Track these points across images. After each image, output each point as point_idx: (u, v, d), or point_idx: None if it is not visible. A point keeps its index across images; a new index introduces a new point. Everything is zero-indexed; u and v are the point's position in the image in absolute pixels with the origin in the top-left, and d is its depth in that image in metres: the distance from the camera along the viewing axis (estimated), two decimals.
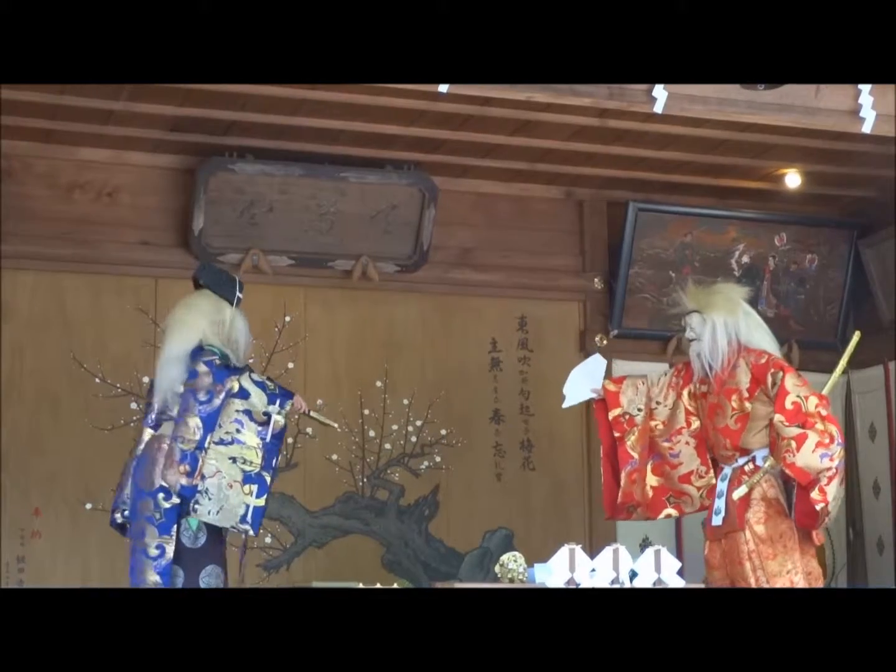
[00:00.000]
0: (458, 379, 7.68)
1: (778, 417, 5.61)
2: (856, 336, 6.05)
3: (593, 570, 4.50)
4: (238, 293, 5.79)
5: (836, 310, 8.27)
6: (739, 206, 8.05)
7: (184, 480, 5.41)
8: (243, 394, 5.54)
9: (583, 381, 6.09)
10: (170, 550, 5.42)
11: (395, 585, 3.99)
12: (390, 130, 6.97)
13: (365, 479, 7.44)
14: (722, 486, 5.80)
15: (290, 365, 7.34)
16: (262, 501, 5.48)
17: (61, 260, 7.09)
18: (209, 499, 5.42)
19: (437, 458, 7.57)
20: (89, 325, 7.14)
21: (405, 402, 7.51)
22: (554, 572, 4.51)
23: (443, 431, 7.59)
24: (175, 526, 5.45)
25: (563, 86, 5.07)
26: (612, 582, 4.49)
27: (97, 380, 7.07)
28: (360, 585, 4.04)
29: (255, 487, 5.48)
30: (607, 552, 4.56)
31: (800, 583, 5.59)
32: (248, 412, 5.54)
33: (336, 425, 6.29)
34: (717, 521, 5.76)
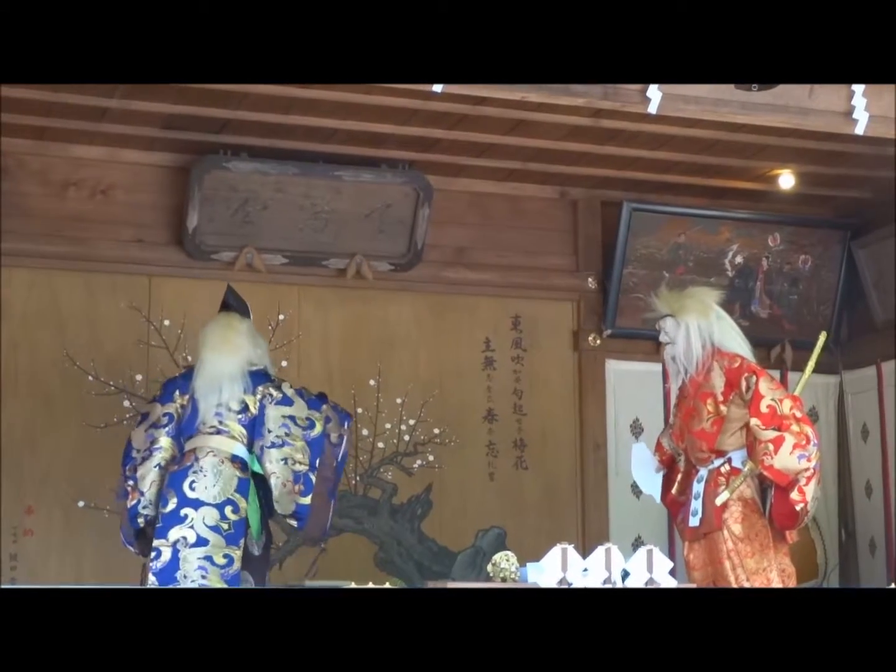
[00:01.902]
0: (451, 378, 7.68)
1: (754, 421, 5.65)
2: (822, 336, 6.13)
3: (586, 569, 4.50)
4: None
5: (829, 310, 8.27)
6: (733, 207, 8.06)
7: (300, 499, 5.79)
8: (286, 401, 5.87)
9: (646, 471, 6.17)
10: (238, 560, 5.67)
11: (388, 584, 3.99)
12: (384, 129, 6.97)
13: (358, 478, 7.44)
14: (698, 487, 5.83)
15: (284, 363, 7.33)
16: (307, 500, 5.80)
17: (55, 257, 7.09)
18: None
19: (430, 457, 7.57)
20: (83, 323, 7.13)
21: (398, 400, 7.51)
22: (546, 572, 4.51)
23: (436, 430, 7.59)
24: (243, 537, 5.71)
25: (557, 85, 5.07)
26: (605, 581, 4.49)
27: (91, 377, 7.07)
28: (353, 584, 4.04)
29: (302, 487, 5.80)
30: (600, 552, 4.57)
31: (775, 580, 5.65)
32: (292, 417, 5.86)
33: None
34: (694, 522, 5.80)
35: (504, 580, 5.13)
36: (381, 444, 7.48)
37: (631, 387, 7.97)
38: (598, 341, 7.91)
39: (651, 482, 6.15)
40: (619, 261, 7.79)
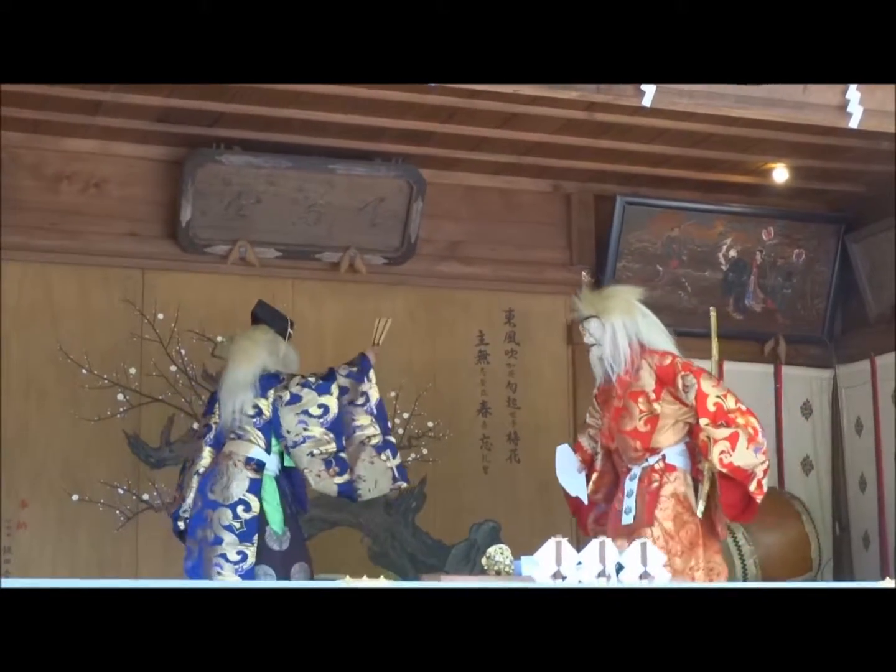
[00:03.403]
0: (445, 372, 7.68)
1: (703, 421, 5.63)
2: (712, 312, 6.16)
3: (580, 562, 4.50)
4: (289, 329, 6.40)
5: (822, 304, 8.28)
6: (727, 201, 8.07)
7: (338, 480, 6.14)
8: (295, 398, 6.15)
9: (570, 473, 6.11)
10: (251, 556, 6.01)
11: (382, 578, 3.99)
12: (378, 123, 6.97)
13: None
14: (631, 485, 5.79)
15: None
16: (346, 477, 6.15)
17: (48, 251, 7.08)
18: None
19: (424, 451, 7.58)
20: (76, 317, 7.12)
21: (392, 394, 7.50)
22: (540, 565, 4.51)
23: (430, 424, 7.60)
24: (256, 534, 6.03)
25: None
26: (599, 575, 4.49)
27: (84, 371, 7.06)
28: (347, 577, 4.03)
29: (337, 468, 6.14)
30: (594, 545, 4.56)
31: (700, 579, 5.62)
32: (304, 412, 6.15)
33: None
34: (627, 519, 5.75)
35: (498, 573, 5.13)
36: None
37: None
38: None
39: (576, 483, 6.09)
40: (613, 254, 7.79)
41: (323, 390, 6.19)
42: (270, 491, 6.16)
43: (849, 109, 5.37)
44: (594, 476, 6.05)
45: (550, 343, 7.87)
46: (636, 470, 5.81)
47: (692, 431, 5.75)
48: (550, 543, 4.55)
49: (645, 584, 4.47)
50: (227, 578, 5.96)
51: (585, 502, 6.07)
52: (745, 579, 7.23)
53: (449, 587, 4.23)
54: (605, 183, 7.91)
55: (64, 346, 7.05)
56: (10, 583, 3.75)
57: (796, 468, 8.24)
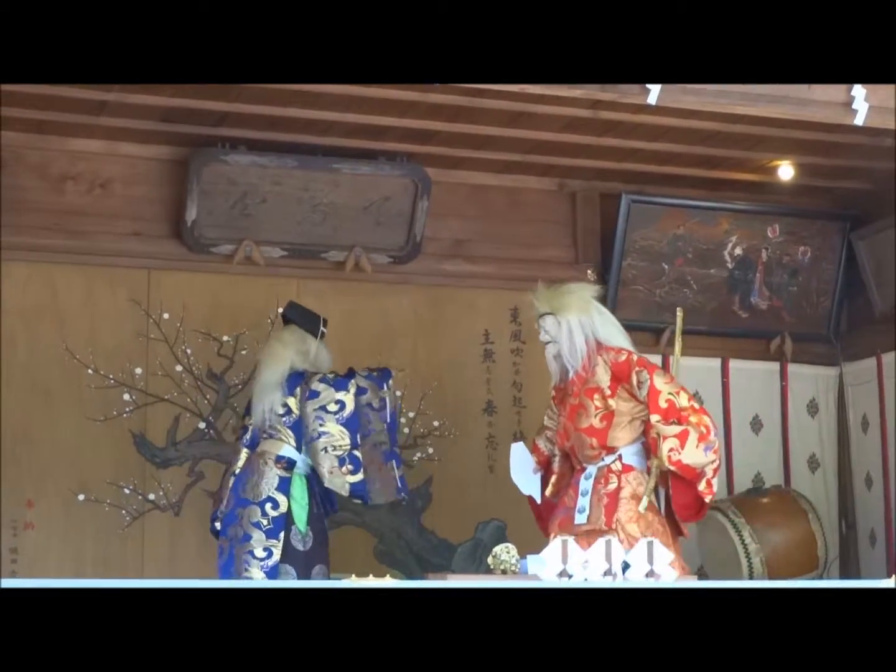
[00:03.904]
0: (450, 370, 7.68)
1: (655, 418, 5.60)
2: (679, 312, 6.07)
3: (586, 561, 4.50)
4: (322, 328, 6.51)
5: (828, 302, 8.27)
6: (732, 198, 8.06)
7: (351, 478, 6.19)
8: (313, 394, 6.24)
9: (524, 472, 6.09)
10: (277, 553, 6.14)
11: (388, 577, 3.99)
12: (383, 122, 6.96)
13: None
14: (586, 484, 5.74)
15: None
16: (360, 476, 6.19)
17: (53, 251, 7.08)
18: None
19: (430, 450, 7.58)
20: (82, 316, 7.12)
21: (398, 393, 7.49)
22: (547, 564, 4.51)
23: (435, 423, 7.59)
24: (282, 532, 6.16)
25: None
26: (605, 573, 4.49)
27: (90, 371, 7.06)
28: (353, 577, 4.03)
29: (350, 466, 6.18)
30: (600, 544, 4.56)
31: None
32: (322, 407, 6.23)
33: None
34: (580, 519, 5.69)
35: (504, 572, 5.13)
36: None
37: None
38: None
39: (530, 483, 6.08)
40: (618, 253, 7.79)
41: (340, 386, 6.26)
42: (299, 489, 6.26)
43: (854, 106, 5.36)
44: (553, 478, 6.01)
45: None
46: (591, 469, 5.76)
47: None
48: (556, 542, 4.56)
49: (651, 582, 4.47)
50: (254, 575, 6.11)
51: (538, 501, 6.05)
52: (751, 578, 7.22)
53: (455, 586, 4.23)
54: (611, 181, 7.90)
55: (70, 345, 7.05)
56: (17, 583, 3.76)
57: (802, 466, 8.24)
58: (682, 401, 5.63)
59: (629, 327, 7.83)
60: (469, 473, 7.61)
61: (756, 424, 8.22)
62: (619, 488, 5.65)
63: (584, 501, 5.71)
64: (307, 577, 6.19)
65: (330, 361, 6.51)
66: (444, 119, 6.96)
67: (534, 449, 6.14)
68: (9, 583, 3.71)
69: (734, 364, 8.18)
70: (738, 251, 8.06)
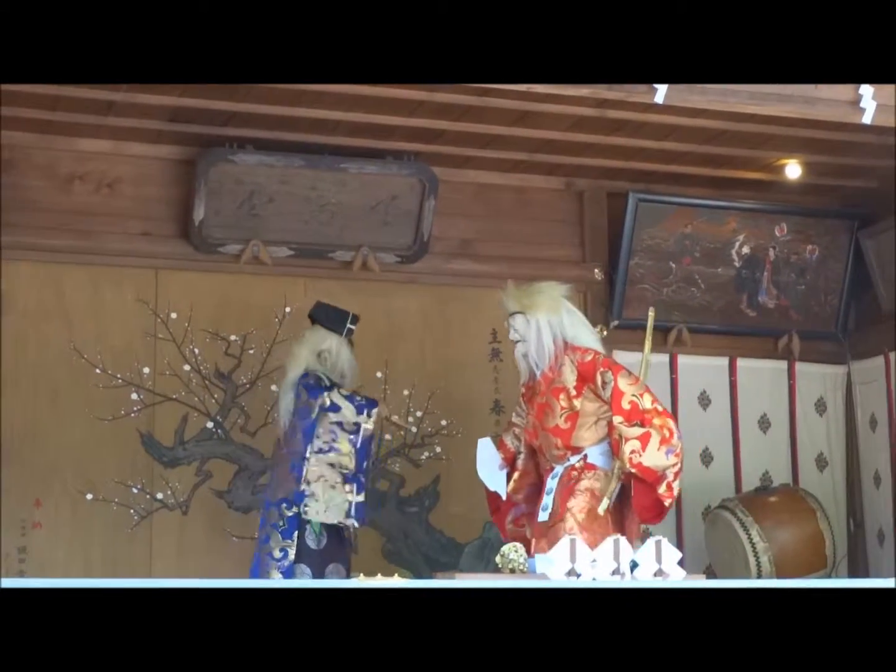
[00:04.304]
0: (458, 369, 7.67)
1: (617, 419, 5.57)
2: (651, 312, 6.00)
3: (594, 560, 4.50)
4: (349, 325, 6.57)
5: (836, 300, 8.26)
6: (740, 197, 8.05)
7: (352, 497, 6.36)
8: (334, 408, 6.37)
9: (490, 468, 6.04)
10: (292, 553, 6.28)
11: (396, 576, 3.99)
12: (390, 121, 6.96)
13: None
14: (552, 483, 5.72)
15: None
16: (361, 497, 6.37)
17: (61, 251, 7.09)
18: (316, 500, 6.31)
19: (438, 449, 7.57)
20: (89, 316, 7.13)
21: (405, 392, 7.51)
22: (555, 563, 4.51)
23: (443, 422, 7.59)
24: (296, 532, 6.30)
25: None
26: (614, 572, 4.49)
27: (97, 370, 7.07)
28: (361, 576, 4.04)
29: (353, 486, 6.36)
30: (608, 543, 4.56)
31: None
32: (339, 423, 6.38)
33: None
34: (543, 517, 5.68)
35: (513, 571, 5.14)
36: (388, 436, 7.47)
37: None
38: (605, 332, 7.84)
39: (495, 479, 6.03)
40: (626, 252, 7.78)
41: (360, 411, 6.40)
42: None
43: (861, 104, 5.36)
44: (515, 475, 5.99)
45: None
46: (558, 469, 5.74)
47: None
48: (565, 541, 4.56)
49: (659, 581, 4.47)
50: (273, 576, 6.22)
51: (503, 497, 6.00)
52: (759, 576, 7.21)
53: (463, 585, 4.23)
54: (618, 180, 7.90)
55: (77, 345, 7.06)
56: (25, 582, 3.76)
57: (811, 465, 8.23)
58: (646, 403, 5.59)
59: (636, 326, 7.89)
60: (477, 472, 7.59)
61: (764, 423, 8.21)
62: (577, 482, 5.63)
63: (547, 500, 5.69)
64: (321, 575, 6.23)
65: (351, 363, 6.56)
66: (451, 118, 6.96)
67: (500, 445, 6.09)
68: (16, 583, 3.71)
69: (742, 363, 8.17)
70: (745, 250, 8.05)
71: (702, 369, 8.09)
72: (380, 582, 3.97)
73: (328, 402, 6.35)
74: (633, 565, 4.56)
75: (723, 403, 8.13)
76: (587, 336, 5.87)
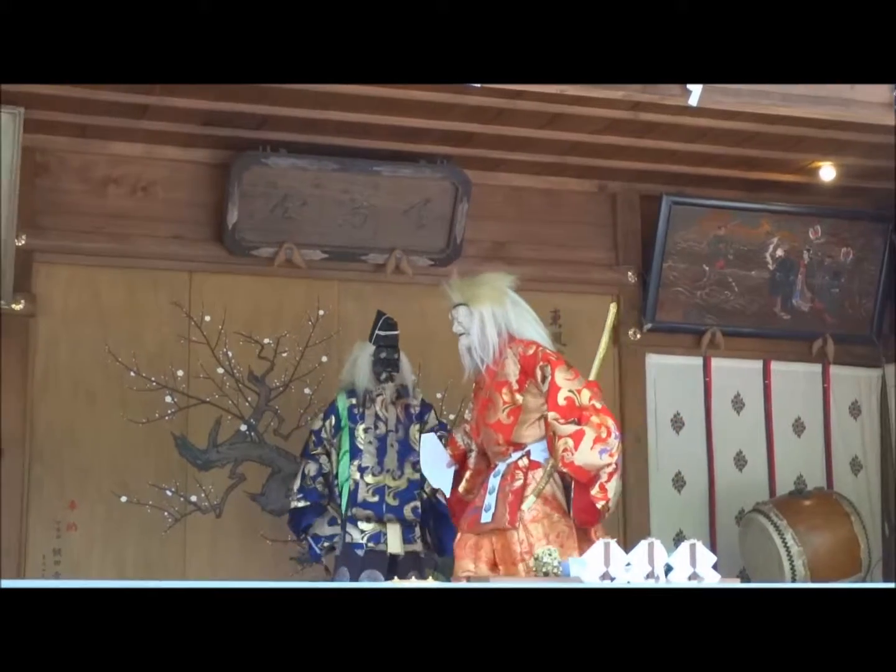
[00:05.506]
0: None
1: (552, 415, 5.35)
2: (612, 308, 5.78)
3: (628, 564, 4.49)
4: (376, 329, 6.65)
5: (871, 303, 8.23)
6: (773, 200, 8.03)
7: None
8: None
9: (436, 465, 5.89)
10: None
11: (430, 579, 4.00)
12: (422, 124, 6.97)
13: None
14: (494, 482, 5.52)
15: (324, 359, 7.36)
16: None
17: (96, 254, 7.12)
18: None
19: None
20: (124, 319, 7.16)
21: (438, 395, 7.50)
22: (589, 566, 4.50)
23: None
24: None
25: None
26: (648, 576, 4.48)
27: (132, 373, 7.10)
28: (396, 578, 4.04)
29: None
30: (643, 546, 4.54)
31: None
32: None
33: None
34: (486, 517, 5.46)
35: (546, 574, 5.12)
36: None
37: (671, 381, 7.95)
38: (639, 335, 7.89)
39: (441, 476, 5.85)
40: (659, 254, 7.76)
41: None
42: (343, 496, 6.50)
43: None
44: (467, 474, 5.79)
45: (597, 343, 7.77)
46: (501, 466, 5.54)
47: None
48: (599, 545, 4.54)
49: (694, 584, 4.45)
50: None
51: (447, 495, 5.87)
52: (793, 580, 7.19)
53: (497, 587, 4.23)
54: (651, 182, 7.88)
55: (112, 348, 7.09)
56: (60, 583, 3.78)
57: (845, 468, 8.19)
58: (584, 399, 5.37)
59: (670, 329, 7.89)
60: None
61: (798, 426, 8.18)
62: (524, 485, 5.42)
63: (490, 499, 5.48)
64: (356, 580, 6.27)
65: (364, 376, 6.58)
66: (483, 121, 6.97)
67: (450, 442, 5.95)
68: (51, 583, 3.73)
69: (776, 366, 8.15)
70: (779, 252, 8.02)
71: (736, 372, 8.07)
72: (416, 584, 3.97)
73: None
74: (668, 569, 4.55)
75: (757, 407, 8.10)
76: (533, 328, 5.66)
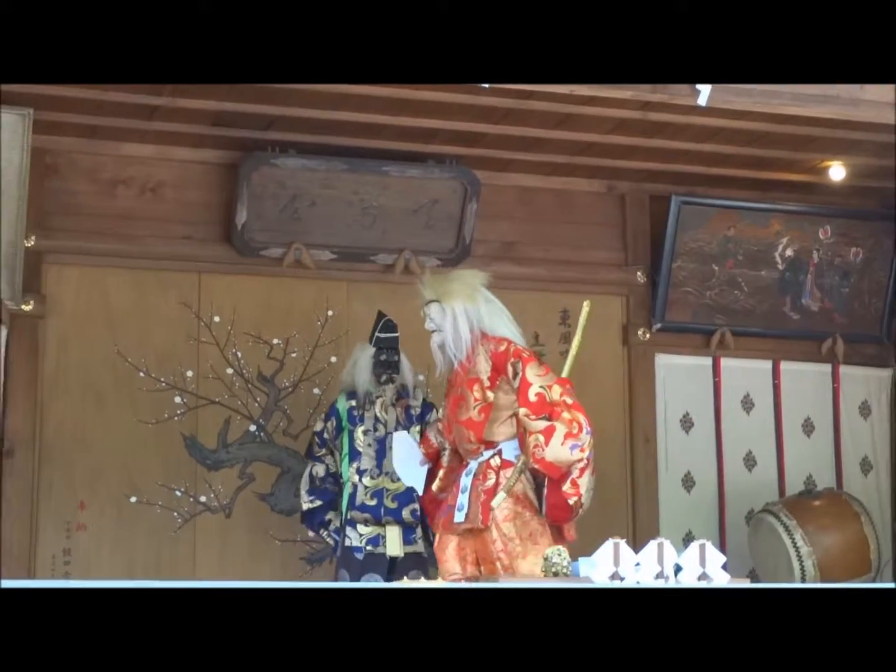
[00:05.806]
0: None
1: (523, 411, 5.34)
2: (585, 305, 5.70)
3: (638, 564, 4.48)
4: (376, 332, 6.60)
5: (880, 303, 8.21)
6: (783, 199, 8.02)
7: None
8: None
9: (409, 463, 5.89)
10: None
11: (440, 579, 3.99)
12: (432, 125, 6.97)
13: None
14: (466, 481, 5.51)
15: (333, 359, 7.36)
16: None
17: (105, 255, 7.13)
18: None
19: None
20: (133, 320, 7.17)
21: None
22: (598, 566, 4.49)
23: None
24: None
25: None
26: (657, 576, 4.48)
27: (141, 374, 7.10)
28: (405, 578, 4.04)
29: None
30: (652, 546, 4.54)
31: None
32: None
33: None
34: (459, 517, 5.46)
35: (556, 574, 5.11)
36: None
37: (681, 381, 7.94)
38: (648, 335, 7.88)
39: (414, 474, 5.85)
40: (668, 255, 7.75)
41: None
42: (343, 498, 6.51)
43: None
44: (441, 472, 5.76)
45: (606, 344, 7.83)
46: (472, 465, 5.53)
47: None
48: (608, 545, 4.54)
49: (703, 584, 4.45)
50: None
51: (420, 493, 5.86)
52: (803, 581, 7.18)
53: (507, 587, 4.23)
54: (660, 183, 7.87)
55: (121, 349, 7.10)
56: (69, 584, 3.78)
57: (855, 468, 8.18)
58: (555, 395, 5.36)
59: (679, 329, 7.88)
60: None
61: (808, 426, 8.17)
62: (496, 484, 5.40)
63: (462, 499, 5.47)
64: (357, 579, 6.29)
65: (364, 378, 6.56)
66: (492, 121, 6.96)
67: (424, 440, 5.95)
68: (61, 584, 3.73)
69: (785, 366, 8.14)
70: (789, 252, 8.01)
71: (745, 372, 8.06)
72: (425, 584, 3.97)
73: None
74: (677, 569, 4.54)
75: (766, 407, 8.09)
76: (505, 325, 5.64)
